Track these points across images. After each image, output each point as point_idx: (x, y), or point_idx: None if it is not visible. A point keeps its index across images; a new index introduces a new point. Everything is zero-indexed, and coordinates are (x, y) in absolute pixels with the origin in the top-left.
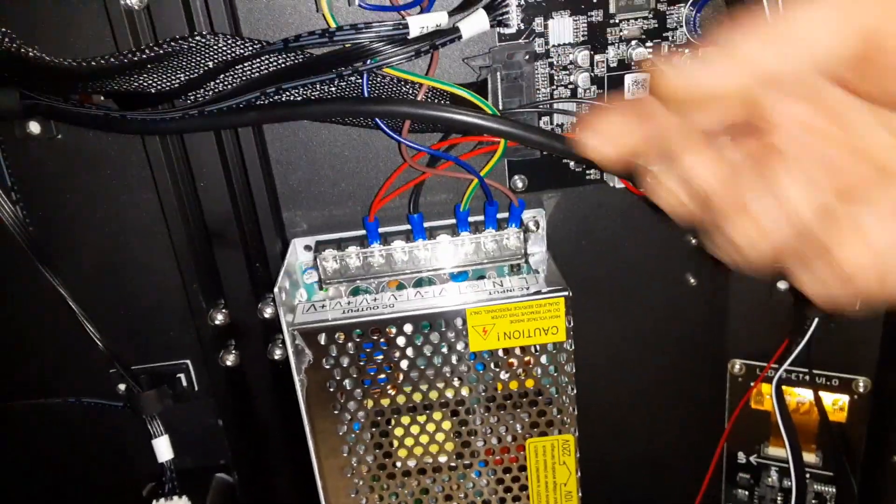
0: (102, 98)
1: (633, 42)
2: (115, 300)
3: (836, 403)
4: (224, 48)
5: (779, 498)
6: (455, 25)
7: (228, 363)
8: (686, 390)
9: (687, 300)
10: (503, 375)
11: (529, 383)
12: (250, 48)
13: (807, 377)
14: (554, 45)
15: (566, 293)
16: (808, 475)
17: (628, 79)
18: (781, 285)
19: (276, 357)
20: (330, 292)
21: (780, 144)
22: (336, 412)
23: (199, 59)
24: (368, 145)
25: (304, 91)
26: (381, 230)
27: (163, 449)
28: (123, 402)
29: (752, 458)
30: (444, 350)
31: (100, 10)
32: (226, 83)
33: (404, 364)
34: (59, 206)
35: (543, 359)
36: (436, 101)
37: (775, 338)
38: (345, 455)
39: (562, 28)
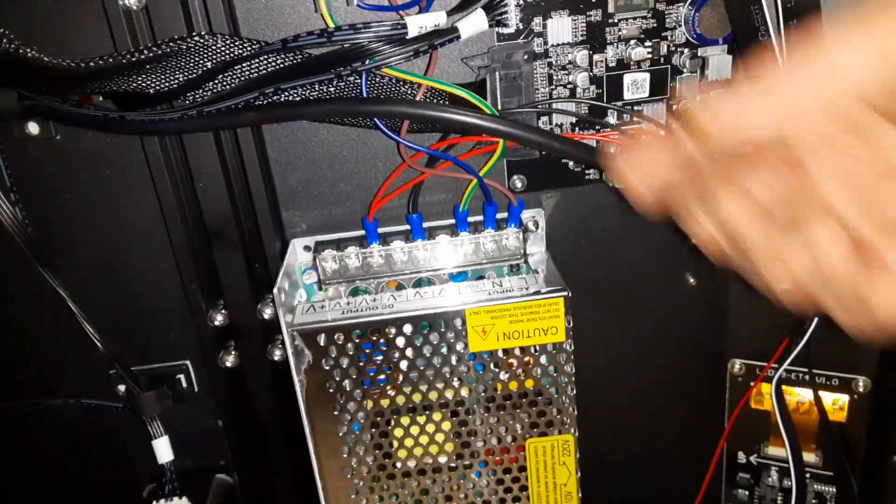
0: (101, 98)
1: (632, 41)
2: (114, 301)
3: (836, 403)
4: (223, 48)
5: (779, 498)
6: (454, 25)
7: (228, 364)
8: (686, 390)
9: (686, 300)
10: (503, 376)
11: (529, 384)
12: (249, 48)
13: (806, 377)
14: (553, 45)
15: (565, 293)
16: (808, 475)
17: (627, 79)
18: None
19: (276, 358)
20: (329, 293)
21: (811, 188)
22: (336, 413)
23: (197, 59)
24: (367, 145)
25: (303, 91)
26: (380, 230)
27: (163, 450)
28: (123, 403)
29: (753, 458)
30: (444, 350)
31: (98, 11)
32: (224, 84)
33: (404, 365)
34: (59, 206)
35: (543, 359)
36: (435, 101)
37: (775, 337)
38: (345, 456)
39: (560, 28)
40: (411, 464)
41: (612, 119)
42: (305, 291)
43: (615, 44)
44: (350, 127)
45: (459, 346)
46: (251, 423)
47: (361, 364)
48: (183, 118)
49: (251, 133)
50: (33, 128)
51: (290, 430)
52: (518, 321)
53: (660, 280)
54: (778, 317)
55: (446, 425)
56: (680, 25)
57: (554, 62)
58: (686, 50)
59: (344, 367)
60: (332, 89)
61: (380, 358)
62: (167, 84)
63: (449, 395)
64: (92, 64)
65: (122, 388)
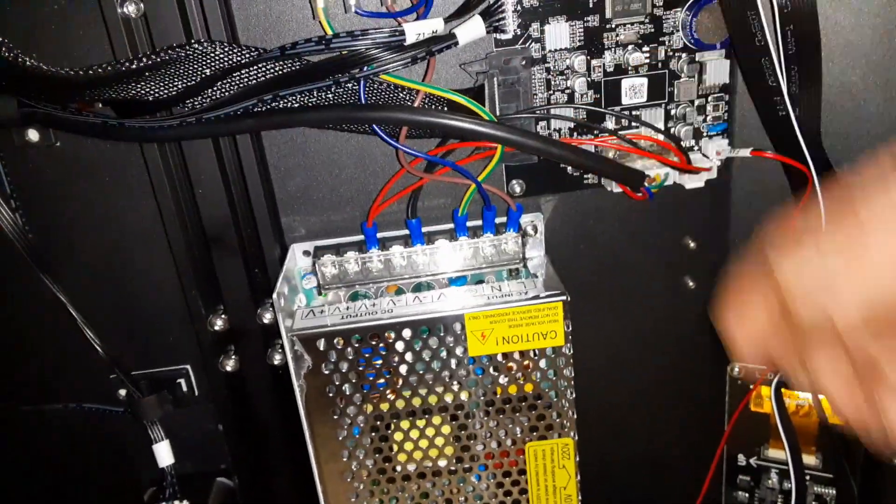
0: (100, 106)
1: (630, 47)
2: (114, 306)
3: None
4: (221, 56)
5: (779, 500)
6: (451, 32)
7: (228, 368)
8: (686, 393)
9: (686, 303)
10: (502, 380)
11: (528, 387)
12: (247, 56)
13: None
14: (550, 51)
15: (564, 297)
16: (808, 477)
17: (624, 84)
18: None
19: (276, 362)
20: (329, 297)
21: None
22: (335, 417)
23: (196, 66)
24: (366, 151)
25: (302, 98)
26: (379, 235)
27: (163, 454)
28: (124, 408)
29: (753, 461)
30: (443, 355)
31: (97, 19)
32: (223, 91)
33: (403, 369)
34: (59, 213)
35: (542, 363)
36: (433, 107)
37: None
38: (344, 460)
39: (558, 33)
40: (411, 467)
41: (610, 124)
42: (305, 296)
43: (613, 49)
44: (349, 133)
45: (459, 351)
46: (251, 427)
47: (361, 368)
48: (182, 125)
49: (250, 139)
50: (33, 135)
51: (290, 434)
52: (517, 325)
53: (659, 283)
54: None
55: (446, 429)
56: (677, 30)
57: (552, 68)
58: (684, 55)
59: (343, 371)
60: (330, 96)
61: (379, 362)
62: (166, 91)
63: (448, 399)
64: (91, 72)
65: (122, 392)
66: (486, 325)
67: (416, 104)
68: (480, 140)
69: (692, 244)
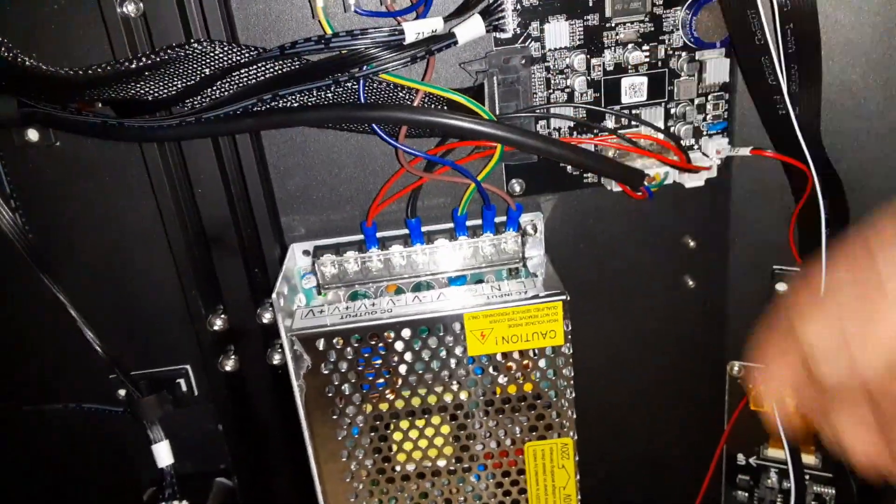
0: (100, 105)
1: (630, 45)
2: (114, 306)
3: None
4: (221, 55)
5: (778, 499)
6: (451, 31)
7: (228, 368)
8: (685, 392)
9: (685, 302)
10: (501, 379)
11: (528, 387)
12: (247, 55)
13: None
14: (550, 50)
15: (564, 297)
16: (807, 476)
17: (624, 82)
18: (780, 287)
19: (275, 362)
20: (329, 297)
21: None
22: (335, 417)
23: (195, 66)
24: (366, 150)
25: (301, 97)
26: (379, 235)
27: (163, 454)
28: (124, 408)
29: (752, 460)
30: (443, 355)
31: (97, 18)
32: (223, 90)
33: (403, 369)
34: (59, 213)
35: (542, 362)
36: (432, 106)
37: None
38: (344, 460)
39: (558, 32)
40: (410, 467)
41: (610, 123)
42: (305, 296)
43: (613, 48)
44: (348, 132)
45: (458, 350)
46: (251, 426)
47: (360, 368)
48: (181, 125)
49: (250, 139)
50: (33, 135)
51: (289, 434)
52: (517, 325)
53: (659, 282)
54: None
55: (445, 429)
56: (677, 29)
57: (551, 66)
58: (683, 53)
59: (343, 371)
60: (329, 95)
61: (379, 362)
62: (166, 91)
63: (448, 398)
64: (90, 71)
65: (122, 392)
66: (486, 324)
67: (415, 103)
68: (480, 139)
69: (692, 243)
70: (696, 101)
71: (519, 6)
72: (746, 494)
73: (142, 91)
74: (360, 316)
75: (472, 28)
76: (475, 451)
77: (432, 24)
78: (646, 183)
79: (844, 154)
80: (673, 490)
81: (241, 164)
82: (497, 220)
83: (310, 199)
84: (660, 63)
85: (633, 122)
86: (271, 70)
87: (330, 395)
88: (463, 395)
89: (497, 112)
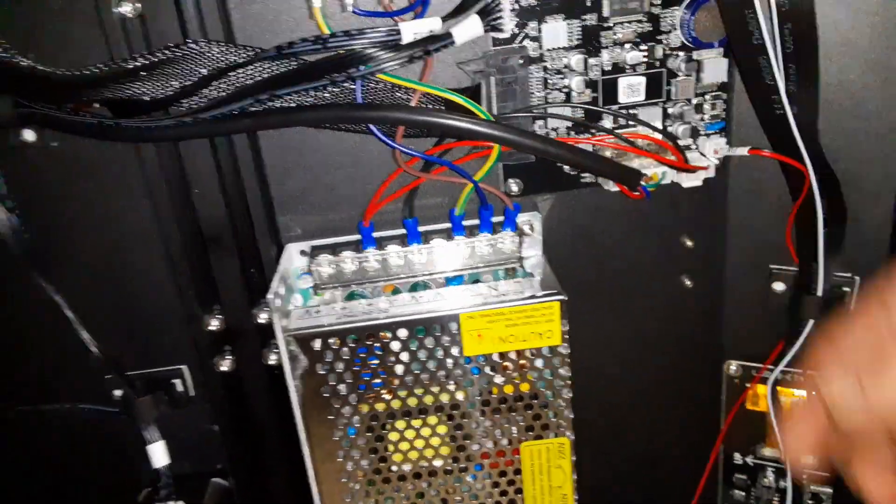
0: (97, 106)
1: (628, 45)
2: (110, 306)
3: None
4: (217, 55)
5: (775, 498)
6: (448, 31)
7: (224, 368)
8: (682, 391)
9: (683, 302)
10: (498, 379)
11: (525, 387)
12: (244, 55)
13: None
14: (548, 50)
15: (561, 297)
16: (804, 476)
17: (622, 82)
18: (777, 287)
19: (272, 362)
20: (325, 297)
21: None
22: (331, 417)
23: (192, 66)
24: (363, 150)
25: (298, 98)
26: (375, 235)
27: (159, 454)
28: (119, 408)
29: (749, 459)
30: (440, 355)
31: (93, 19)
32: (220, 90)
33: (399, 369)
34: (55, 213)
35: (539, 362)
36: (430, 106)
37: (771, 339)
38: (340, 460)
39: (555, 32)
40: (407, 467)
41: (607, 123)
42: (301, 296)
43: (610, 48)
44: (345, 132)
45: (455, 351)
46: (247, 427)
47: (357, 369)
48: (178, 125)
49: (246, 139)
50: (30, 135)
51: (286, 434)
52: (514, 325)
53: (656, 282)
54: (773, 318)
55: (442, 429)
56: (675, 29)
57: (549, 66)
58: (681, 53)
59: (339, 371)
60: (327, 95)
61: (375, 362)
62: (162, 91)
63: (444, 398)
64: (87, 72)
65: (118, 392)
66: (483, 324)
67: (413, 103)
68: (477, 139)
69: (689, 243)
70: (694, 101)
71: (517, 6)
72: (743, 494)
73: (139, 91)
74: (357, 316)
75: (469, 28)
76: (472, 450)
77: (430, 24)
78: (643, 183)
79: (842, 154)
80: (670, 489)
81: (238, 164)
82: (494, 219)
83: (306, 199)
84: (657, 63)
85: (631, 122)
86: (268, 70)
87: (326, 395)
88: (460, 395)
89: (495, 112)
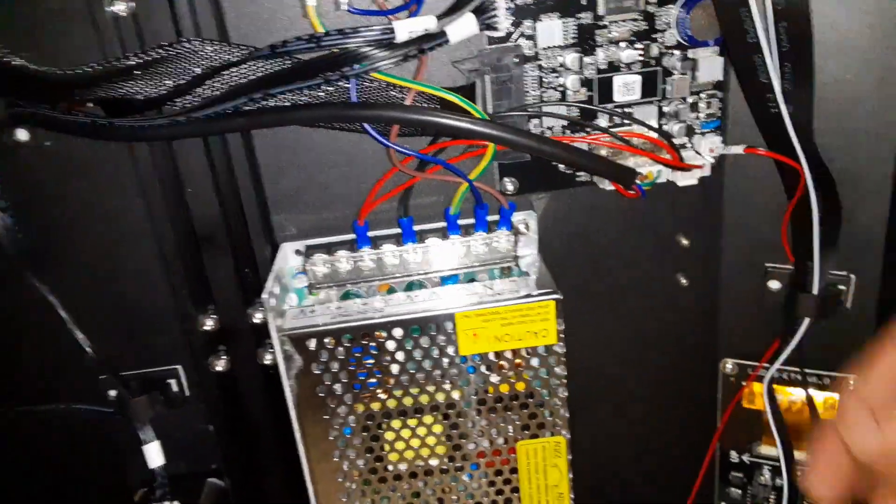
0: (90, 105)
1: (623, 44)
2: (104, 306)
3: (827, 402)
4: (211, 54)
5: (772, 496)
6: (443, 29)
7: (219, 368)
8: (678, 390)
9: (678, 300)
10: (494, 378)
11: (520, 386)
12: (237, 54)
13: (798, 376)
14: (543, 48)
15: (557, 296)
16: (800, 473)
17: (617, 81)
18: (772, 285)
19: (267, 362)
20: (320, 297)
21: None
22: (326, 417)
23: (186, 65)
24: (357, 149)
25: (292, 96)
26: (370, 234)
27: (154, 455)
28: (114, 408)
29: (745, 457)
30: (435, 354)
31: (86, 18)
32: (213, 89)
33: (395, 368)
34: (49, 213)
35: (534, 361)
36: (425, 105)
37: (767, 337)
38: (336, 460)
39: (551, 30)
40: (402, 467)
41: (603, 122)
42: (296, 296)
43: (605, 46)
44: (340, 131)
45: (450, 350)
46: (243, 426)
47: (352, 368)
48: (172, 124)
49: (240, 138)
50: (22, 135)
51: (281, 434)
52: (509, 324)
53: (652, 281)
54: (769, 316)
55: (437, 428)
56: (670, 27)
57: (544, 65)
58: (677, 52)
59: (334, 371)
60: (321, 94)
61: (370, 362)
62: (156, 90)
63: (440, 398)
64: (80, 71)
65: (112, 392)
66: (478, 323)
67: (407, 102)
68: (472, 138)
69: (685, 241)
70: (690, 100)
71: (512, 4)
72: (740, 492)
73: (132, 90)
74: (352, 315)
75: (464, 26)
76: (468, 450)
77: (424, 23)
78: (638, 181)
79: (838, 152)
80: (666, 488)
81: (232, 163)
82: (489, 218)
83: (301, 199)
84: (653, 61)
85: (626, 121)
86: (262, 69)
87: (321, 395)
88: (455, 395)
89: (489, 111)
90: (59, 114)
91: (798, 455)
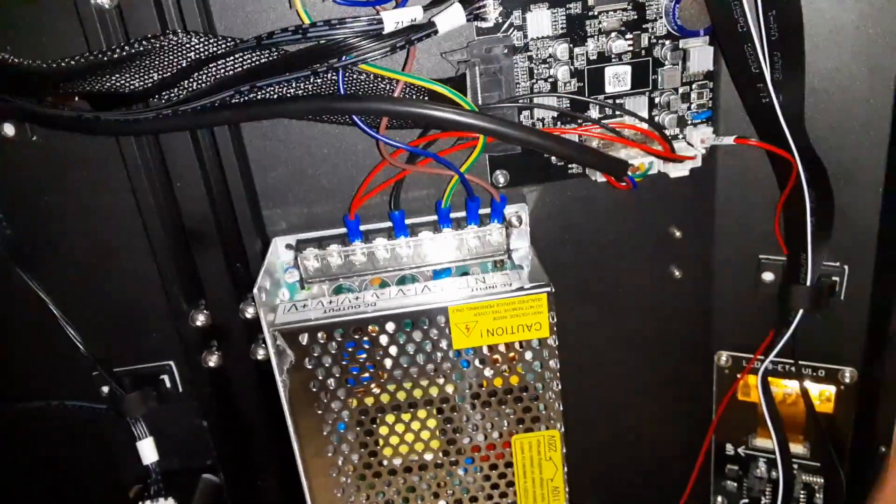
0: (77, 99)
1: (613, 34)
2: (95, 302)
3: (822, 394)
4: (197, 46)
5: (767, 489)
6: (431, 20)
7: (211, 364)
8: (673, 383)
9: (672, 293)
10: (487, 372)
11: (514, 380)
12: (224, 46)
13: (793, 368)
14: (533, 39)
15: (549, 289)
16: (795, 466)
17: (608, 72)
18: (767, 277)
19: (259, 357)
20: (312, 291)
21: None
22: (320, 412)
23: (172, 57)
24: (347, 142)
25: (280, 89)
26: (362, 227)
27: (147, 451)
28: (107, 405)
29: (741, 450)
30: (428, 348)
31: (70, 10)
32: (200, 82)
33: (388, 363)
34: (37, 208)
35: (527, 355)
36: (413, 97)
37: (761, 329)
38: (330, 455)
39: (540, 21)
40: (397, 461)
41: (593, 113)
42: (288, 290)
43: (596, 36)
44: (329, 124)
45: (443, 344)
46: (236, 422)
47: (345, 363)
48: (158, 118)
49: (229, 131)
50: (9, 129)
51: (275, 429)
52: (501, 318)
53: (645, 273)
54: (763, 308)
55: (432, 422)
56: (661, 17)
57: (534, 56)
58: (667, 42)
59: (327, 366)
60: (309, 86)
61: (363, 356)
62: (142, 83)
63: (434, 392)
64: (63, 64)
65: (105, 389)
66: (471, 317)
67: (396, 94)
68: (461, 130)
69: (678, 233)
70: (680, 90)
71: None
72: (735, 484)
73: (118, 84)
74: (344, 310)
75: (452, 17)
76: (462, 444)
77: (411, 13)
78: (630, 173)
79: (829, 142)
80: (661, 480)
81: (221, 157)
82: (481, 211)
83: (291, 192)
84: (643, 52)
85: (617, 112)
86: (249, 61)
87: (314, 389)
88: (449, 389)
89: (479, 102)
90: (46, 108)
91: (793, 447)
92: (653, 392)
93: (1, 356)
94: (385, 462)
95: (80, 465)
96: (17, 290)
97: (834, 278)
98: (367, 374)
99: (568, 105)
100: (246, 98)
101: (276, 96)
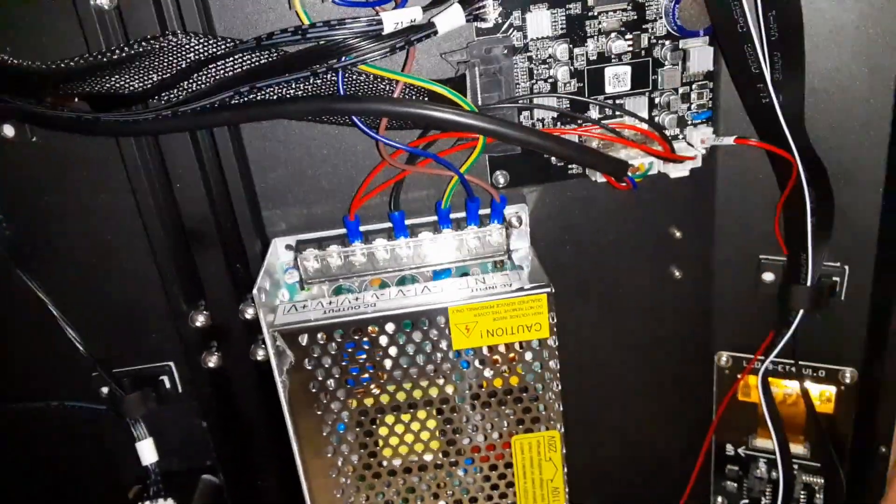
0: (76, 100)
1: (613, 34)
2: (95, 302)
3: (823, 395)
4: (197, 47)
5: (767, 489)
6: (430, 20)
7: (211, 364)
8: (673, 383)
9: (672, 293)
10: (487, 373)
11: (514, 380)
12: (223, 47)
13: (793, 369)
14: (532, 39)
15: (549, 289)
16: (796, 466)
17: (608, 72)
18: (767, 277)
19: (259, 358)
20: (312, 292)
21: None
22: (319, 413)
23: (171, 58)
24: (347, 143)
25: (279, 90)
26: (362, 228)
27: (147, 451)
28: (107, 405)
29: (741, 450)
30: (428, 349)
31: (69, 10)
32: (199, 83)
33: (387, 363)
34: (37, 209)
35: (527, 355)
36: (413, 97)
37: (761, 330)
38: (329, 455)
39: (540, 21)
40: (397, 462)
41: (593, 113)
42: (288, 291)
43: (595, 37)
44: (329, 125)
45: (443, 344)
46: (236, 423)
47: (344, 364)
48: (157, 118)
49: (228, 132)
50: (9, 130)
51: (275, 430)
52: (501, 318)
53: (645, 274)
54: (764, 309)
55: (431, 423)
56: (660, 17)
57: (534, 56)
58: (667, 42)
59: (327, 366)
60: (308, 87)
61: (363, 357)
62: (141, 84)
63: (433, 393)
64: (63, 65)
65: (105, 390)
66: (471, 318)
67: (395, 95)
68: (461, 131)
69: (678, 234)
70: (680, 91)
71: None
72: (735, 485)
73: (117, 85)
74: (344, 310)
75: (451, 17)
76: (462, 445)
77: (411, 14)
78: (630, 173)
79: (829, 142)
80: (662, 481)
81: (220, 158)
82: (481, 212)
83: (291, 193)
84: (643, 52)
85: (617, 112)
86: (248, 62)
87: (314, 390)
88: (449, 389)
89: (479, 103)
90: (45, 109)
91: (793, 448)
92: (653, 392)
93: (1, 356)
94: (385, 463)
95: (80, 465)
96: (17, 290)
97: (834, 278)
98: (366, 375)
99: (568, 105)
100: (245, 99)
101: (275, 97)
